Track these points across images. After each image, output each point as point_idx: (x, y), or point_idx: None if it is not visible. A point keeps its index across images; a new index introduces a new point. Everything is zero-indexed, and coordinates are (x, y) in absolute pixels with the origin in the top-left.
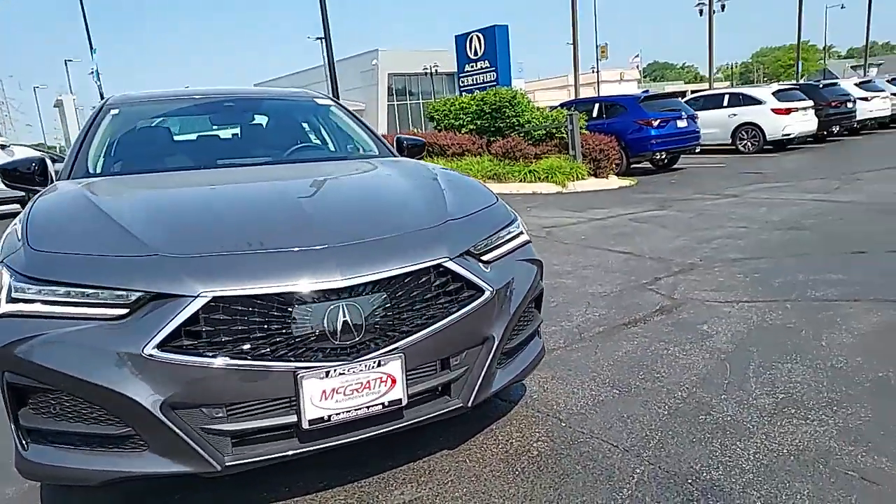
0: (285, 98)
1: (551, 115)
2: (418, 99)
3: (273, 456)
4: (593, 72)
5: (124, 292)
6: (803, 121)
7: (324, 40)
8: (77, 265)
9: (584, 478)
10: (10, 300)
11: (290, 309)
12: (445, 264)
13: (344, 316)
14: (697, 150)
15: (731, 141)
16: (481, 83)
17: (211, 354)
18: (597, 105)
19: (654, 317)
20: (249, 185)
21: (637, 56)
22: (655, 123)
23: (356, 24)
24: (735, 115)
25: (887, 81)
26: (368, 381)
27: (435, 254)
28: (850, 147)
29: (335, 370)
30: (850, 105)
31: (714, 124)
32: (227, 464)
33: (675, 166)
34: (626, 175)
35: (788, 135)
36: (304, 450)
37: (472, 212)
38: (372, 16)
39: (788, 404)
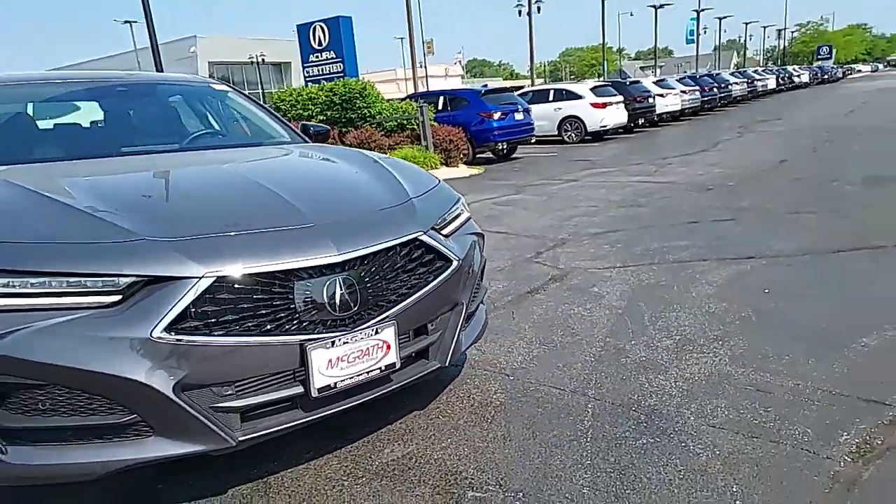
0: (182, 83)
1: (401, 107)
2: (244, 89)
3: (281, 427)
4: (420, 67)
5: (114, 278)
6: (616, 114)
7: (146, 23)
8: (52, 253)
9: (548, 416)
10: None
11: (291, 285)
12: (421, 238)
13: (341, 289)
14: (533, 141)
15: (557, 132)
16: (328, 74)
17: (219, 333)
18: (442, 98)
19: (549, 284)
20: (200, 169)
21: (460, 53)
22: (497, 116)
23: (174, 9)
24: (560, 108)
25: (677, 80)
26: (368, 349)
27: (410, 229)
28: (654, 136)
29: (339, 340)
30: (651, 100)
31: (543, 117)
32: (240, 439)
33: (514, 155)
34: (473, 164)
35: (605, 126)
36: (310, 418)
37: (425, 191)
38: (192, 3)
39: (685, 343)
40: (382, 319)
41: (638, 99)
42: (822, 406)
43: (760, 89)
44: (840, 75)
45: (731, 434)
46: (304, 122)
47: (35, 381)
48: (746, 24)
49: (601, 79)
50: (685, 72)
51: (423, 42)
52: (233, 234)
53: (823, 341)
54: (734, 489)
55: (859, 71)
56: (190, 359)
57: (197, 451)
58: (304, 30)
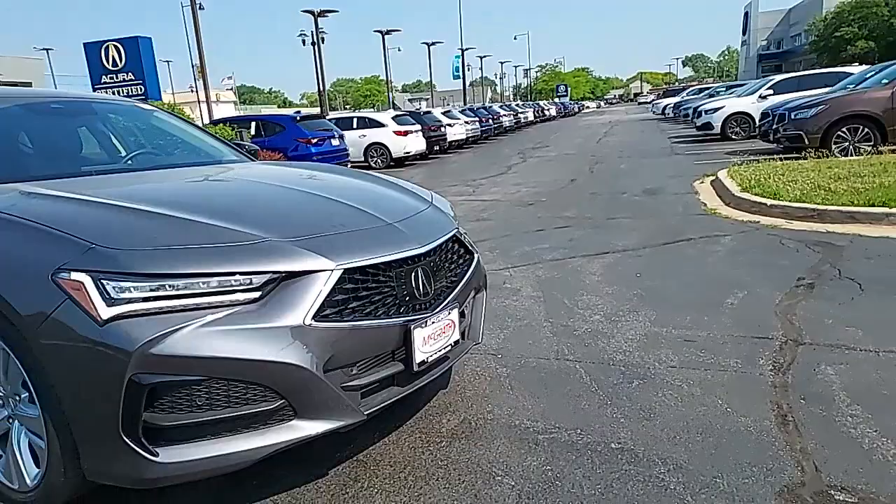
0: (115, 102)
1: (216, 132)
2: None
3: (387, 402)
4: (192, 90)
5: (255, 276)
6: (417, 141)
7: None
8: (189, 257)
9: (552, 378)
10: (122, 301)
11: (392, 274)
12: (457, 234)
13: (424, 276)
14: (349, 166)
15: (363, 158)
16: (128, 96)
17: (348, 319)
18: (255, 123)
19: None
20: (244, 183)
21: (230, 77)
22: (314, 141)
23: None
24: (365, 136)
25: (460, 112)
26: (444, 327)
27: (449, 226)
28: (450, 162)
29: (429, 320)
30: (443, 129)
31: (349, 144)
32: (366, 413)
33: None
34: None
35: (408, 152)
36: (404, 392)
37: (430, 198)
38: None
39: (610, 316)
40: (449, 302)
41: (432, 128)
42: (734, 345)
43: (523, 121)
44: (577, 110)
45: (689, 370)
46: (236, 142)
47: (196, 378)
48: (502, 63)
49: (373, 109)
50: (449, 105)
51: (192, 65)
52: (338, 233)
53: (703, 306)
54: (718, 401)
55: (588, 107)
56: (330, 343)
57: (334, 428)
58: (93, 49)
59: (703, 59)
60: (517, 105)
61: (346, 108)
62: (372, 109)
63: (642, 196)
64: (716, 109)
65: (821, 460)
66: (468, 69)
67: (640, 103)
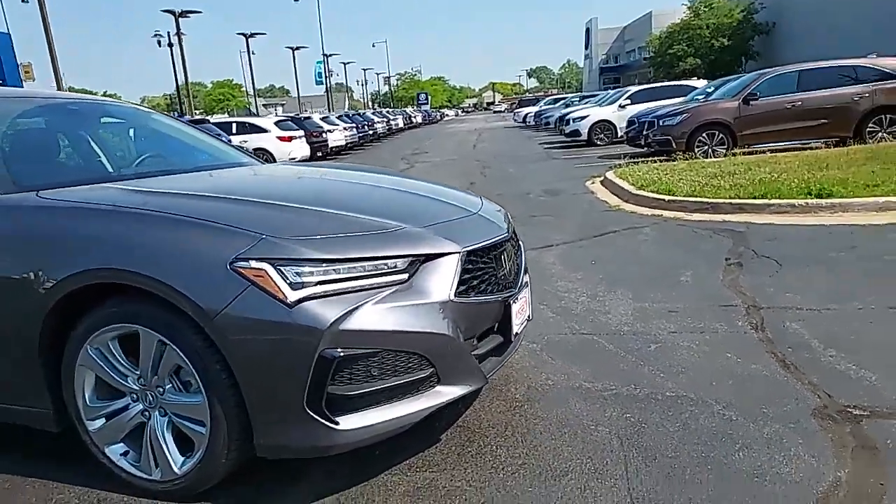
0: (117, 104)
1: None
2: None
3: (495, 370)
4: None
5: (405, 258)
6: (301, 147)
7: None
8: (355, 244)
9: (583, 347)
10: (304, 285)
11: (492, 255)
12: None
13: (511, 257)
14: None
15: None
16: None
17: (473, 295)
18: None
19: None
20: (321, 180)
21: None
22: None
23: None
24: (246, 141)
25: (337, 118)
26: (524, 303)
27: (505, 216)
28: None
29: (518, 296)
30: (324, 135)
31: None
32: (488, 378)
33: None
34: None
35: (294, 158)
36: (503, 361)
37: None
38: None
39: (594, 297)
40: (524, 281)
41: (314, 134)
42: (711, 312)
43: (394, 127)
44: (439, 118)
45: (688, 334)
46: (234, 144)
47: (371, 350)
48: (365, 70)
49: (226, 115)
50: (307, 110)
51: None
52: (450, 220)
53: (664, 284)
54: (727, 355)
55: (447, 114)
56: (464, 316)
57: (465, 393)
58: None
59: (546, 71)
60: (388, 112)
61: (196, 113)
62: (226, 115)
63: (546, 196)
64: (582, 118)
65: (828, 389)
66: (331, 75)
67: (495, 112)
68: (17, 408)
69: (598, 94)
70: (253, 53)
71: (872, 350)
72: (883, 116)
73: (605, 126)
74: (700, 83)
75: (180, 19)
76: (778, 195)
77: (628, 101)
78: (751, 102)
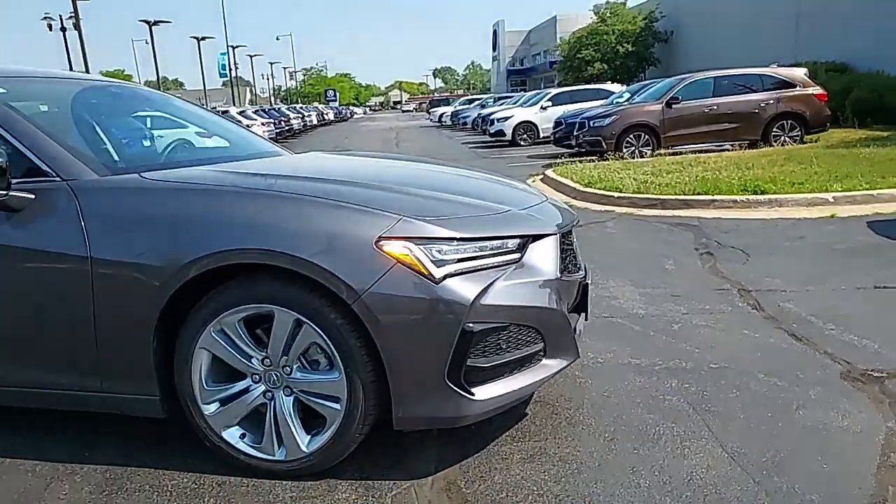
0: (148, 89)
1: None
2: None
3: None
4: None
5: (516, 239)
6: (220, 142)
7: None
8: (481, 224)
9: (611, 330)
10: (447, 262)
11: (570, 238)
12: None
13: (571, 241)
14: None
15: None
16: None
17: (566, 274)
18: None
19: None
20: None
21: None
22: (125, 141)
23: None
24: (162, 137)
25: (254, 112)
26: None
27: None
28: None
29: (586, 279)
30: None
31: None
32: (579, 353)
33: None
34: None
35: None
36: (580, 337)
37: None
38: None
39: (597, 284)
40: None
41: None
42: (710, 295)
43: (308, 124)
44: (350, 115)
45: (700, 315)
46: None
47: (503, 324)
48: (272, 63)
49: None
50: (205, 105)
51: None
52: (537, 205)
53: (653, 271)
54: (745, 331)
55: (356, 112)
56: (564, 293)
57: (564, 366)
58: None
59: (451, 72)
60: (301, 108)
61: None
62: None
63: None
64: (506, 119)
65: (844, 357)
66: (237, 68)
67: (404, 111)
68: (122, 396)
69: (513, 96)
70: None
71: (862, 323)
72: (785, 122)
73: (527, 127)
74: (615, 87)
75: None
76: (719, 192)
77: (549, 103)
78: (673, 106)
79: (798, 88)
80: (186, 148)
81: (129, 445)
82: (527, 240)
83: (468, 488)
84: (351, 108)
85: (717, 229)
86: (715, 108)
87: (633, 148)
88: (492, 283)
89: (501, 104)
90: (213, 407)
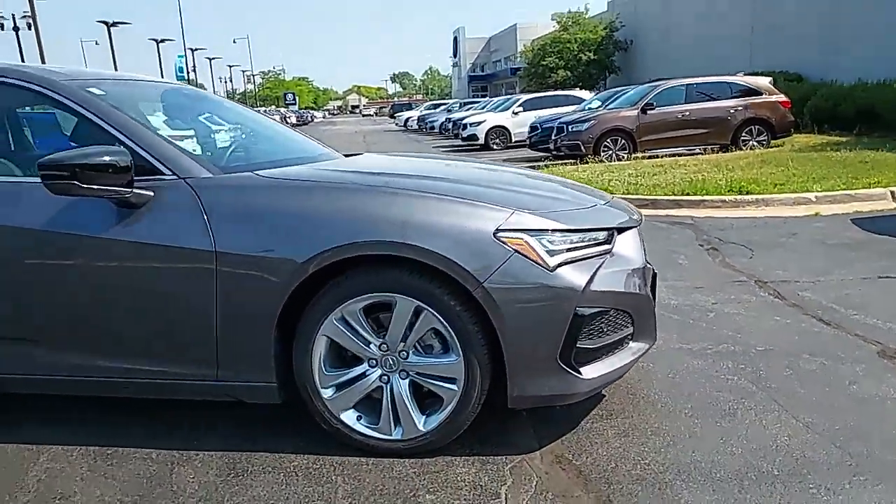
0: (196, 90)
1: None
2: None
3: None
4: None
5: (607, 230)
6: (194, 146)
7: None
8: (581, 217)
9: None
10: (559, 252)
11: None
12: None
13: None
14: None
15: None
16: None
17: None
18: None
19: None
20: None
21: None
22: None
23: None
24: None
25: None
26: None
27: None
28: None
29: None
30: (212, 136)
31: None
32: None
33: None
34: None
35: None
36: None
37: None
38: None
39: None
40: None
41: None
42: (730, 286)
43: None
44: (311, 119)
45: (728, 304)
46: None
47: (606, 308)
48: (231, 66)
49: None
50: None
51: None
52: (612, 200)
53: (669, 265)
54: (776, 318)
55: (316, 116)
56: (644, 279)
57: (646, 350)
58: None
59: (409, 77)
60: (265, 112)
61: None
62: None
63: None
64: (479, 123)
65: (874, 338)
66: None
67: (364, 115)
68: (241, 384)
69: (480, 101)
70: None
71: (880, 309)
72: (753, 127)
73: (500, 131)
74: (584, 94)
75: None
76: (707, 192)
77: (520, 109)
78: (648, 112)
79: (764, 96)
80: (253, 148)
81: (237, 432)
82: (616, 231)
83: (577, 460)
84: (311, 111)
85: (714, 227)
86: (687, 113)
87: (611, 152)
88: (596, 271)
89: (468, 109)
90: (329, 392)
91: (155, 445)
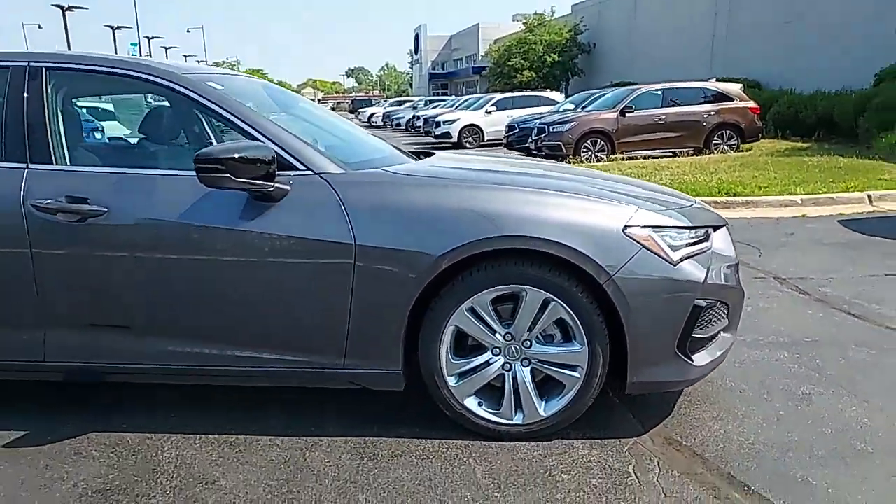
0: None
1: None
2: None
3: None
4: None
5: (709, 228)
6: None
7: None
8: (688, 215)
9: None
10: (679, 247)
11: None
12: None
13: None
14: None
15: None
16: None
17: None
18: None
19: None
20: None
21: None
22: None
23: None
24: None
25: None
26: None
27: None
28: None
29: None
30: None
31: None
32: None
33: None
34: None
35: None
36: None
37: None
38: None
39: None
40: None
41: None
42: (754, 281)
43: None
44: None
45: (759, 298)
46: None
47: (714, 300)
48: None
49: None
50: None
51: None
52: (697, 203)
53: None
54: (809, 311)
55: None
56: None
57: (733, 342)
58: None
59: (365, 73)
60: None
61: None
62: None
63: None
64: (453, 121)
65: None
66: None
67: None
68: (367, 371)
69: (447, 99)
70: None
71: None
72: (724, 131)
73: (473, 130)
74: (554, 95)
75: None
76: (696, 193)
77: (493, 108)
78: (626, 115)
79: (735, 102)
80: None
81: (353, 418)
82: (712, 228)
83: (686, 442)
84: None
85: None
86: (664, 117)
87: (591, 153)
88: (711, 265)
89: (435, 106)
90: (452, 379)
91: (275, 433)
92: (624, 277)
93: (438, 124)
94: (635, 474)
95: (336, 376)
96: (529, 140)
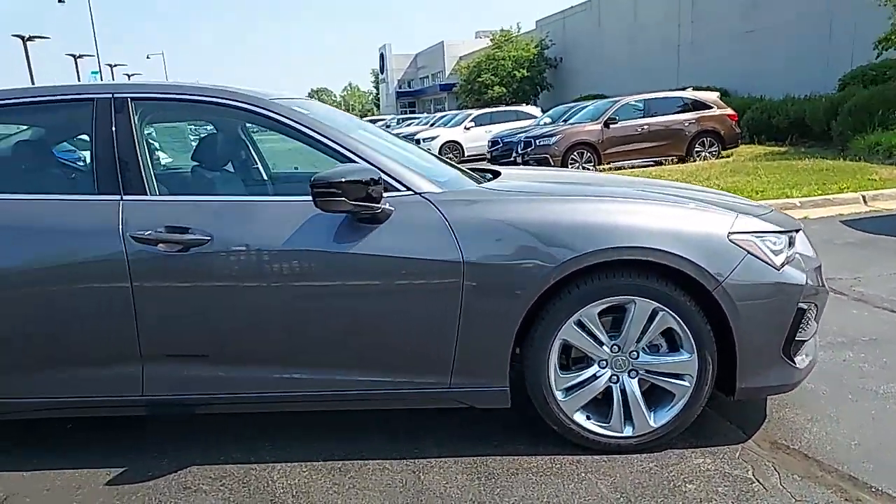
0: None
1: None
2: None
3: None
4: None
5: (794, 232)
6: None
7: None
8: (776, 220)
9: None
10: (780, 252)
11: None
12: None
13: None
14: None
15: None
16: None
17: None
18: None
19: None
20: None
21: None
22: None
23: None
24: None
25: None
26: None
27: None
28: None
29: None
30: None
31: None
32: None
33: None
34: None
35: None
36: None
37: None
38: None
39: None
40: None
41: None
42: None
43: None
44: None
45: None
46: None
47: (809, 304)
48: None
49: None
50: None
51: None
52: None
53: None
54: (853, 311)
55: None
56: None
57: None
58: None
59: (328, 93)
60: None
61: None
62: None
63: None
64: (433, 138)
65: None
66: None
67: None
68: (472, 390)
69: (419, 116)
70: None
71: None
72: (705, 139)
73: (453, 146)
74: (532, 109)
75: None
76: None
77: (472, 124)
78: (610, 126)
79: (714, 109)
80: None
81: (455, 437)
82: (794, 233)
83: (794, 445)
84: None
85: None
86: (646, 127)
87: (577, 164)
88: (803, 269)
89: (409, 124)
90: (559, 394)
91: (379, 456)
92: (733, 284)
93: (418, 142)
94: (758, 480)
95: (442, 396)
96: (514, 154)
